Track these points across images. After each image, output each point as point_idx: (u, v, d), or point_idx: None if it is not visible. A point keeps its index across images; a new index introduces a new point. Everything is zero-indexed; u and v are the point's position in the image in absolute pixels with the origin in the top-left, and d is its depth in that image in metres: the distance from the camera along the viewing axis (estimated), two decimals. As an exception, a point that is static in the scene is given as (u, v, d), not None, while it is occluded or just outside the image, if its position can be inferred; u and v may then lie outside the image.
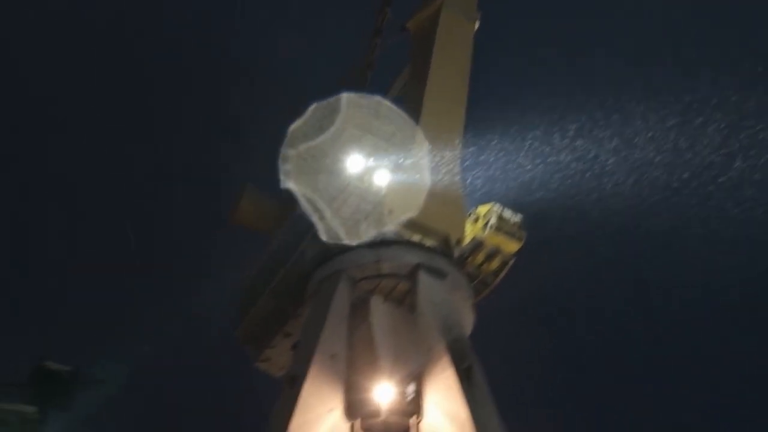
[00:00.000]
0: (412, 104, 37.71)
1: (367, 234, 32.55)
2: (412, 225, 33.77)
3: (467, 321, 32.37)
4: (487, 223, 34.77)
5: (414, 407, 27.23)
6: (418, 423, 27.00)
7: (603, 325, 74.49)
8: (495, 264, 34.58)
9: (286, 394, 27.87)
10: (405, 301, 31.19)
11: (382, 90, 43.06)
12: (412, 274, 31.38)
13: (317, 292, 31.70)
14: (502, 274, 34.85)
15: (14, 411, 29.02)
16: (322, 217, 32.32)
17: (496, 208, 35.21)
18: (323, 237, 31.62)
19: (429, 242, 33.68)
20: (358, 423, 27.15)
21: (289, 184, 31.99)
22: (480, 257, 34.27)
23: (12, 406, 28.76)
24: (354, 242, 31.91)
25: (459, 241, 34.49)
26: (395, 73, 43.34)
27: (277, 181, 34.75)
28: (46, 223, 78.92)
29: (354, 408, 27.37)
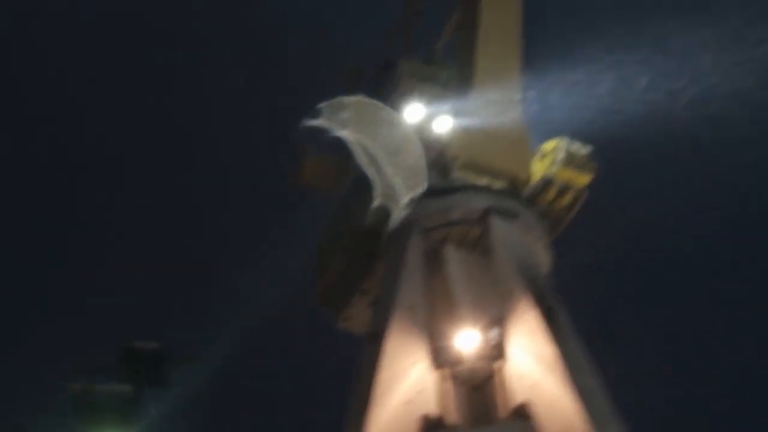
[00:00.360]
0: (465, 47, 36.80)
1: (432, 182, 32.21)
2: (478, 168, 33.28)
3: (544, 260, 31.87)
4: (555, 159, 33.83)
5: (498, 352, 26.97)
6: (504, 367, 26.77)
7: (688, 261, 72.88)
8: (567, 199, 33.75)
9: (369, 351, 28.01)
10: (478, 247, 30.81)
11: (433, 36, 42.23)
12: (482, 219, 30.98)
13: (389, 246, 31.63)
14: (576, 209, 34.03)
15: (110, 392, 29.81)
16: (379, 170, 32.07)
17: (563, 142, 34.20)
18: (378, 194, 31.45)
19: (497, 184, 33.17)
20: (443, 372, 27.09)
21: (344, 132, 31.67)
22: (551, 194, 33.48)
23: (107, 387, 29.56)
24: (418, 193, 31.67)
25: (527, 181, 33.81)
26: (445, 20, 42.21)
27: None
28: (120, 217, 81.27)
29: (438, 358, 27.26)
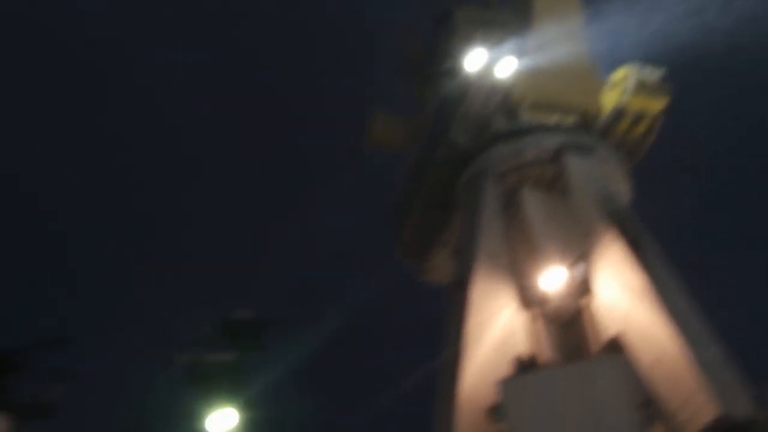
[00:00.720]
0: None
1: (502, 127, 31.91)
2: (547, 107, 32.72)
3: (623, 191, 31.25)
4: (625, 88, 32.82)
5: (585, 287, 26.82)
6: (592, 302, 26.58)
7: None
8: (642, 128, 32.75)
9: (455, 300, 28.33)
10: (555, 186, 30.44)
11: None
12: (556, 157, 30.58)
13: (466, 194, 31.66)
14: (652, 137, 33.03)
15: (217, 361, 30.92)
16: (448, 123, 32.00)
17: (633, 70, 33.09)
18: (446, 145, 31.49)
19: (568, 121, 32.56)
20: (532, 312, 27.15)
21: (415, 91, 31.70)
22: (624, 124, 32.55)
23: (214, 357, 30.69)
24: (490, 138, 31.50)
25: (599, 113, 32.98)
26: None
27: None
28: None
29: (525, 300, 27.36)
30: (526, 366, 24.99)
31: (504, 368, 25.09)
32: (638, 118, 32.70)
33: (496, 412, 23.89)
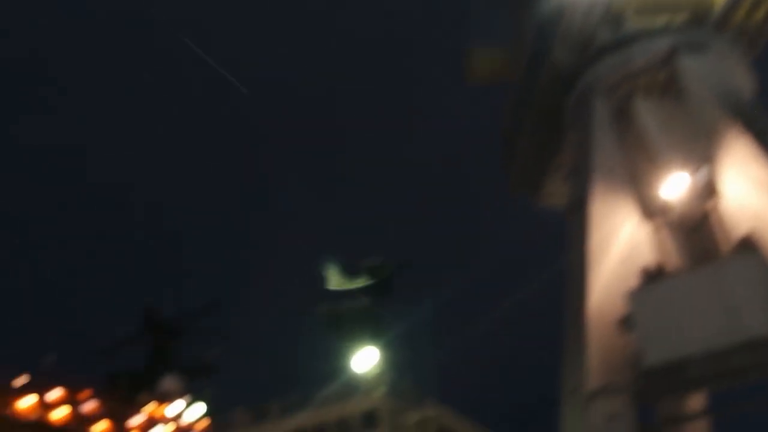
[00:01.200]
0: None
1: (607, 38, 30.76)
2: (654, 8, 31.15)
3: (746, 85, 29.38)
4: None
5: (709, 190, 25.75)
6: (718, 204, 25.51)
7: None
8: (762, 12, 30.48)
9: (574, 221, 28.09)
10: (669, 90, 29.12)
11: None
12: (668, 60, 29.17)
13: (575, 114, 30.97)
14: (774, 18, 30.66)
15: (353, 308, 32.71)
16: (550, 44, 31.19)
17: None
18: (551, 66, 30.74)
19: (678, 19, 30.87)
20: (656, 222, 26.49)
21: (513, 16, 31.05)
22: (742, 11, 30.42)
23: (349, 304, 32.48)
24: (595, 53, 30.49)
25: (712, 6, 30.97)
26: None
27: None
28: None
29: (647, 211, 26.73)
30: (653, 276, 24.49)
31: (631, 280, 24.75)
32: (757, 1, 30.46)
33: (626, 323, 23.75)
